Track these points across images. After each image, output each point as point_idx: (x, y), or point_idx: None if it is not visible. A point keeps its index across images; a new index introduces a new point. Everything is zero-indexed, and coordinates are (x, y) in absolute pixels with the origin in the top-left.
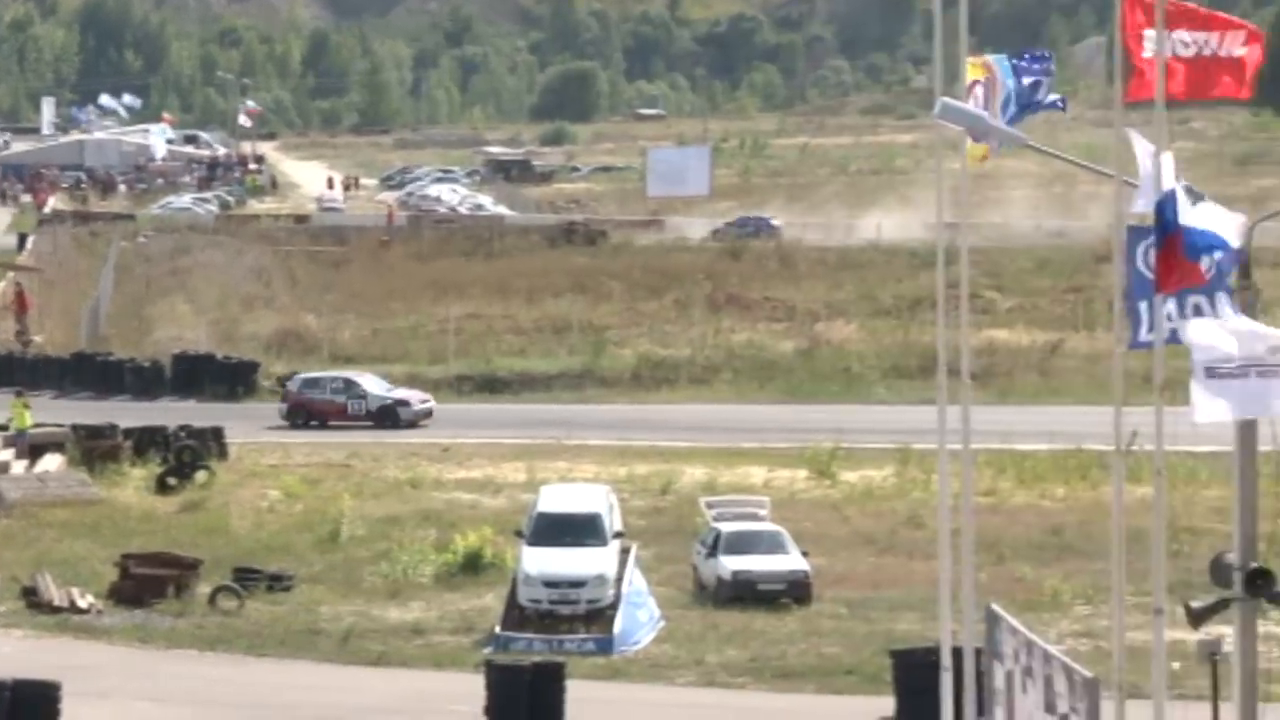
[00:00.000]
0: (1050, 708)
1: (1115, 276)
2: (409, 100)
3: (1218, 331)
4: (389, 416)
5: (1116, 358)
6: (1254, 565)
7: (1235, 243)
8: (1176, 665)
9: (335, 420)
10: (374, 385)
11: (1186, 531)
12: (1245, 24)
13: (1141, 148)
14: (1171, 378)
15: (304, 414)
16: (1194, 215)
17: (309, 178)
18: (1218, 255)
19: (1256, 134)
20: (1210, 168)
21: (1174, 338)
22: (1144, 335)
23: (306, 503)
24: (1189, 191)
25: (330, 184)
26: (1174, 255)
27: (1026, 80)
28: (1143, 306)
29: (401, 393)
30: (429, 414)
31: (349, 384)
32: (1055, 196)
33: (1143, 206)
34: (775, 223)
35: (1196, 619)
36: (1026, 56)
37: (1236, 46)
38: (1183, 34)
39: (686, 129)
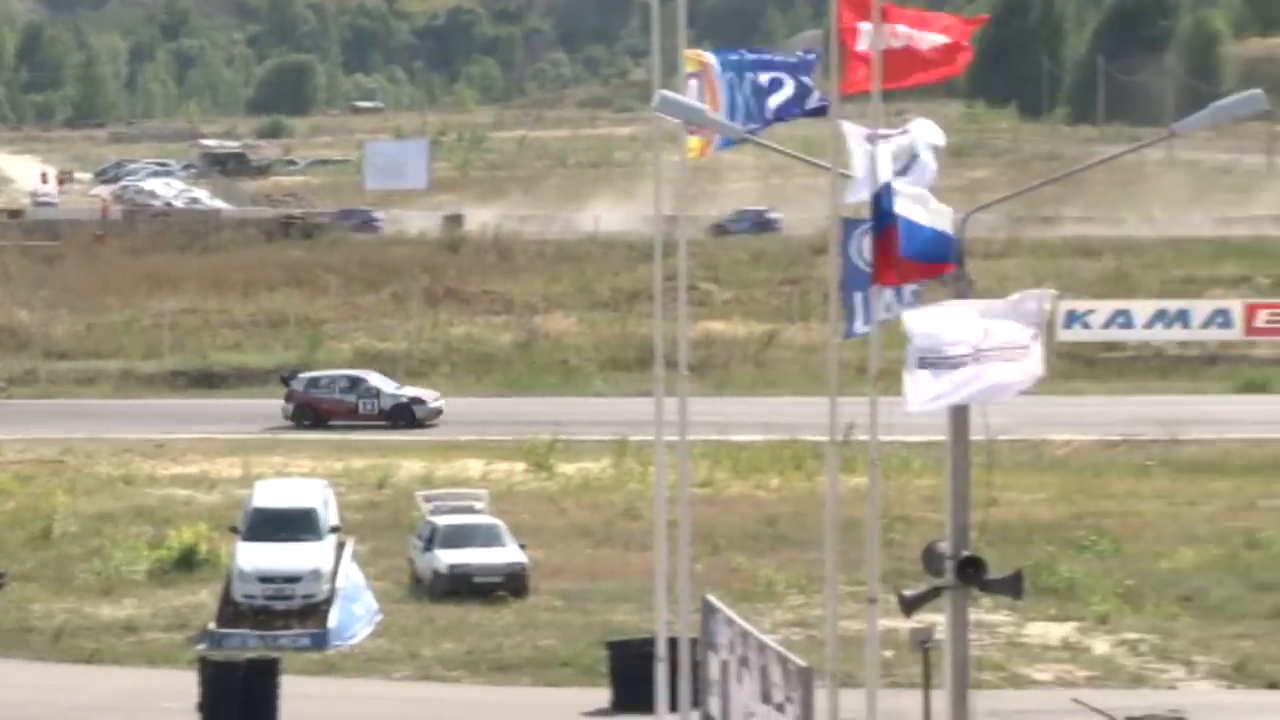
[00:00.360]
0: (766, 697)
1: (830, 268)
2: (124, 94)
3: (933, 321)
4: (404, 415)
5: (831, 349)
6: (965, 554)
7: (950, 232)
8: (889, 654)
9: (344, 420)
10: (384, 383)
11: (900, 521)
12: (955, 17)
13: (857, 140)
14: (886, 368)
15: (311, 414)
16: (915, 210)
17: (22, 172)
18: (938, 251)
19: (969, 126)
20: None
21: (892, 315)
22: (859, 326)
23: (18, 500)
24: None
25: (44, 178)
26: (890, 247)
27: (764, 77)
28: (857, 297)
29: (412, 390)
30: (439, 412)
31: (356, 382)
32: (772, 189)
33: (846, 196)
34: (378, 216)
35: (909, 607)
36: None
37: (941, 41)
38: (897, 28)
39: (404, 122)
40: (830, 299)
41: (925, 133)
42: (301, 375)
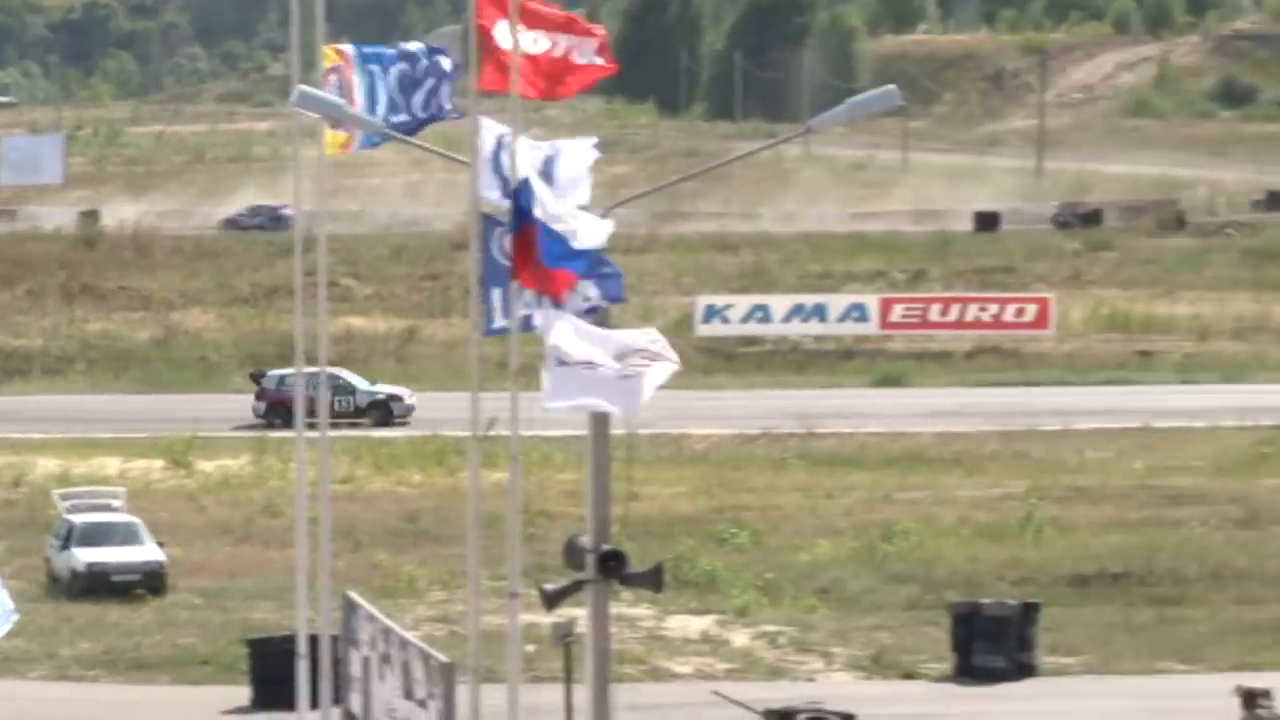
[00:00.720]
0: (408, 693)
1: (471, 264)
2: None
3: (571, 324)
4: (382, 412)
5: (472, 344)
6: (606, 548)
7: (595, 246)
8: (532, 648)
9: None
10: (357, 380)
11: (541, 515)
12: (594, 30)
13: (487, 136)
14: (527, 364)
15: (284, 412)
16: (558, 218)
17: None
18: (579, 263)
19: (609, 122)
20: None
21: (529, 324)
22: (499, 322)
23: None
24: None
25: None
26: (528, 245)
27: (405, 71)
28: (497, 293)
29: (388, 388)
30: (413, 409)
31: (329, 378)
32: (413, 184)
33: (485, 193)
34: None
35: (550, 602)
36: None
37: (583, 55)
38: (537, 32)
39: (39, 117)
40: (471, 295)
41: (575, 152)
42: (271, 373)
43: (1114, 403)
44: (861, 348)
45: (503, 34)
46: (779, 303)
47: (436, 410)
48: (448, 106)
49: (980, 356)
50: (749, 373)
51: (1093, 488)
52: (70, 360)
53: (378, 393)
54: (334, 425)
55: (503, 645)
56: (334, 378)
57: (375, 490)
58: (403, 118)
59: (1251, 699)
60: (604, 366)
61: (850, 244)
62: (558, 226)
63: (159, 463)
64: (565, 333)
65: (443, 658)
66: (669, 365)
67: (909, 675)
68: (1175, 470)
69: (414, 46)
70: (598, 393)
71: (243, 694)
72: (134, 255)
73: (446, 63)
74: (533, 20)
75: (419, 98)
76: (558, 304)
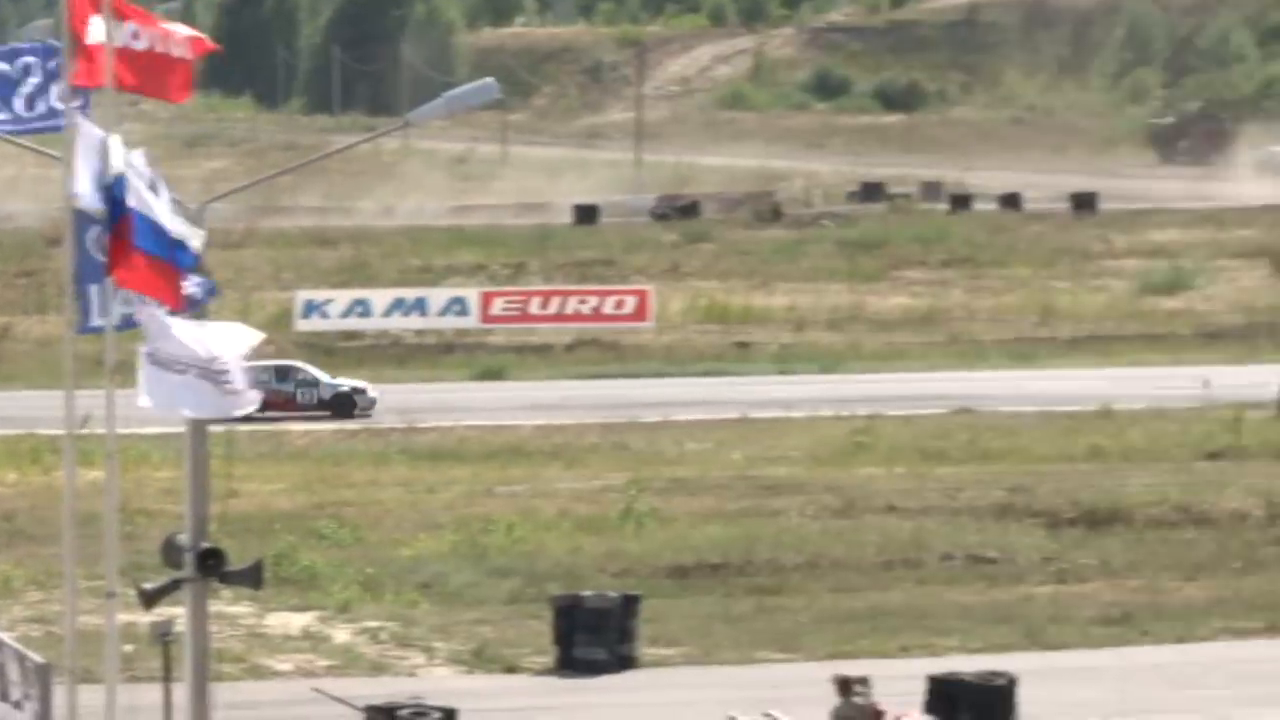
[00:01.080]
0: (3, 695)
1: (65, 261)
2: None
3: (167, 323)
4: (345, 405)
5: (67, 341)
6: (205, 546)
7: (192, 251)
8: (130, 648)
9: (281, 411)
10: (318, 373)
11: (140, 514)
12: (190, 31)
13: (85, 133)
14: (125, 360)
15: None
16: (155, 220)
17: None
18: (177, 259)
19: (206, 116)
20: (161, 150)
21: (127, 323)
22: (95, 320)
23: None
24: (153, 187)
25: None
26: (124, 241)
27: (9, 67)
28: (93, 290)
29: (350, 381)
30: (374, 401)
31: (288, 371)
32: (7, 180)
33: (80, 193)
34: None
35: (149, 600)
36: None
37: (179, 49)
38: (131, 26)
39: None
40: (66, 292)
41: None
42: None
43: (713, 394)
44: (462, 341)
45: (96, 29)
46: (379, 297)
47: (31, 409)
48: (58, 108)
49: (580, 349)
50: (349, 367)
51: (692, 479)
52: None
53: (340, 386)
54: (297, 419)
55: (101, 645)
56: (298, 371)
57: None
58: (5, 117)
59: (847, 686)
60: (196, 369)
61: (450, 238)
62: (156, 221)
63: None
64: (161, 331)
65: (39, 658)
66: (250, 398)
67: (511, 669)
68: (773, 460)
69: (18, 45)
70: (189, 395)
71: None
72: None
73: (54, 61)
74: (127, 15)
75: (22, 98)
76: (155, 301)
